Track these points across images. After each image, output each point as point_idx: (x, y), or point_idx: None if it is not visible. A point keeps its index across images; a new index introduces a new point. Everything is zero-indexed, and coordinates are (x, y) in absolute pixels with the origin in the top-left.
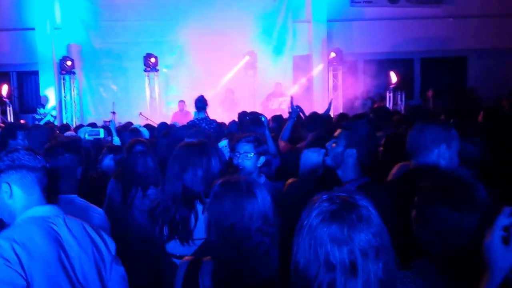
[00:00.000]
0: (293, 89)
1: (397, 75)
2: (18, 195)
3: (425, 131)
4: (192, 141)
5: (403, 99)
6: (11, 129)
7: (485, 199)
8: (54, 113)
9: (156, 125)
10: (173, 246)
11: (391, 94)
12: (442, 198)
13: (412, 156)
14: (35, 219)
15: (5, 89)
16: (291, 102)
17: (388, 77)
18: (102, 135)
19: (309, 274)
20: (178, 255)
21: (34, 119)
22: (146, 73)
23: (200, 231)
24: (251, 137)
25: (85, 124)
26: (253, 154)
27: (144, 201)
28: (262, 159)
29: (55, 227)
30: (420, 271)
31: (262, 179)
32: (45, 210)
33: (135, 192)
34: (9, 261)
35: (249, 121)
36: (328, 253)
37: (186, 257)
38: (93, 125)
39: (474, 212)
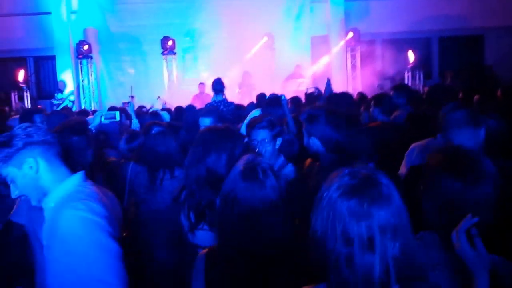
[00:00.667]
0: (311, 70)
1: (415, 54)
2: (45, 169)
3: (456, 112)
4: (216, 125)
5: (421, 78)
6: (28, 114)
7: (492, 172)
8: (72, 98)
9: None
10: (201, 237)
11: (409, 74)
12: (447, 168)
13: (443, 135)
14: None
15: (21, 74)
16: (327, 83)
17: (406, 57)
18: (118, 118)
19: (326, 245)
20: (203, 246)
21: (52, 104)
22: (163, 56)
23: None
24: (264, 122)
25: (103, 108)
26: (269, 139)
27: (173, 183)
28: (279, 141)
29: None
30: (425, 243)
31: (280, 160)
32: (77, 178)
33: (162, 174)
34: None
35: (267, 101)
36: (346, 227)
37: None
38: (112, 109)
39: (477, 183)
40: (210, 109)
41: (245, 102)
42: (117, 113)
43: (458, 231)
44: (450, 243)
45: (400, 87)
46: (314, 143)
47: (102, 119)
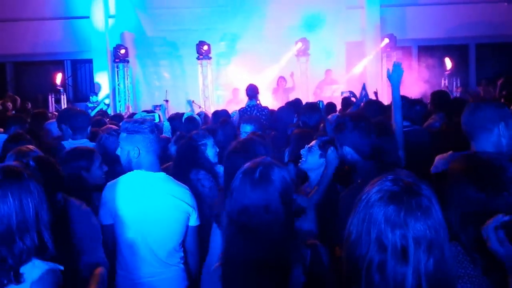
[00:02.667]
0: (346, 76)
1: (451, 61)
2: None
3: (479, 110)
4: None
5: (459, 85)
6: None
7: None
8: (107, 101)
9: (209, 114)
10: None
11: (446, 81)
12: (469, 179)
13: (471, 139)
14: None
15: (59, 77)
16: (363, 88)
17: (442, 64)
18: (157, 119)
19: (359, 249)
20: None
21: (87, 107)
22: (198, 61)
23: None
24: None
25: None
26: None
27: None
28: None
29: None
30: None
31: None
32: None
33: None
34: None
35: (305, 108)
36: (381, 232)
37: None
38: (148, 111)
39: (500, 193)
40: (252, 117)
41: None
42: (156, 115)
43: (487, 229)
44: (474, 255)
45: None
46: (347, 152)
47: None
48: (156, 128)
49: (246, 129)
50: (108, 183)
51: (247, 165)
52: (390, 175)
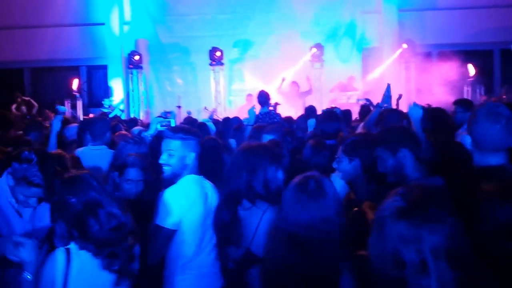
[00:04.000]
0: (362, 83)
1: (475, 67)
2: None
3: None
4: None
5: (482, 93)
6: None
7: None
8: (122, 107)
9: (220, 119)
10: None
11: (469, 88)
12: (500, 198)
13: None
14: None
15: (75, 83)
16: (387, 89)
17: (465, 70)
18: (173, 124)
19: (380, 266)
20: None
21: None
22: (211, 67)
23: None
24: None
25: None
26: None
27: None
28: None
29: None
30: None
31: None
32: None
33: None
34: None
35: (322, 116)
36: (396, 250)
37: None
38: (163, 117)
39: None
40: (274, 127)
41: (291, 113)
42: (172, 120)
43: None
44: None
45: (466, 101)
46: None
47: (159, 126)
48: (204, 127)
49: (268, 139)
50: (171, 189)
51: (298, 178)
52: (401, 189)
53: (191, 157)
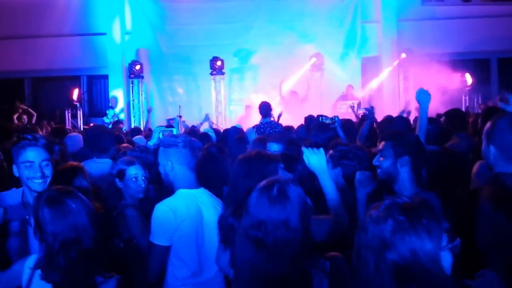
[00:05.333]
0: (362, 92)
1: (472, 76)
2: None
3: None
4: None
5: (480, 102)
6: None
7: None
8: (121, 116)
9: (221, 129)
10: None
11: (467, 97)
12: (498, 206)
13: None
14: None
15: (76, 93)
16: (368, 104)
17: (463, 79)
18: (175, 132)
19: (363, 275)
20: None
21: (104, 123)
22: (212, 77)
23: None
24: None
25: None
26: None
27: None
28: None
29: None
30: (484, 282)
31: None
32: None
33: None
34: None
35: (314, 128)
36: (376, 258)
37: None
38: (166, 126)
39: None
40: (280, 136)
41: (291, 123)
42: (175, 130)
43: None
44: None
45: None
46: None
47: (161, 135)
48: (206, 137)
49: (273, 148)
50: (159, 205)
51: (263, 183)
52: (387, 201)
53: (169, 166)
